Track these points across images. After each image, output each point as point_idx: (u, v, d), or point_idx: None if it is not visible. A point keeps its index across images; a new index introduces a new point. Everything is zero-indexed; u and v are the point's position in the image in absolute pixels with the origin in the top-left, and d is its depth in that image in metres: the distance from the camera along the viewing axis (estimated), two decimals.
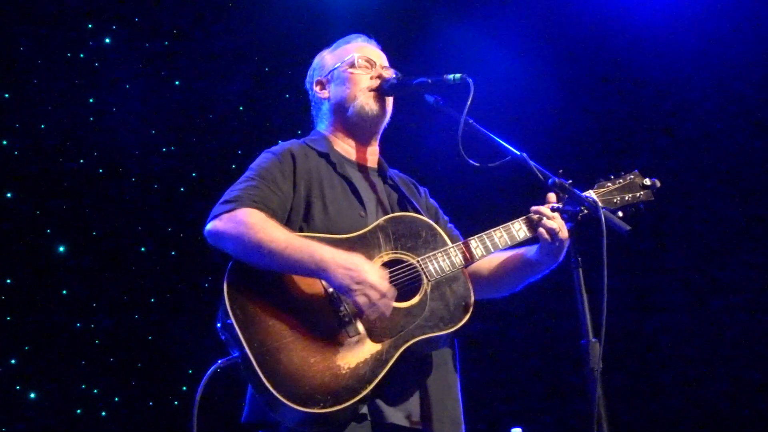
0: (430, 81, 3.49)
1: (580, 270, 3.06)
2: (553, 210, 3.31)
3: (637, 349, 7.02)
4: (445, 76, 3.44)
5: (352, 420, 3.08)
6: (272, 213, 3.23)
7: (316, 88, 3.71)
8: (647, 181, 3.51)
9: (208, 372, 3.11)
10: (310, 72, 3.80)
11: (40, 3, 6.27)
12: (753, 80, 6.90)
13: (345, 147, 3.60)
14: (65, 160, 6.34)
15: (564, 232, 3.29)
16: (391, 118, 3.66)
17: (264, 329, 3.04)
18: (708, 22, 6.87)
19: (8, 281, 6.04)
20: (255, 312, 3.06)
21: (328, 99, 3.65)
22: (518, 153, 3.27)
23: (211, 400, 3.26)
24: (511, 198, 6.62)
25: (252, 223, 3.13)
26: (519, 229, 3.39)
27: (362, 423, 3.12)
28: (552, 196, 3.36)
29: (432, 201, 3.72)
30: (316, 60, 3.80)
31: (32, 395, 6.02)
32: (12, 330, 5.99)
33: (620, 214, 3.44)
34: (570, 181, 3.22)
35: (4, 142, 6.16)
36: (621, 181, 3.51)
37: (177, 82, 6.80)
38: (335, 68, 3.66)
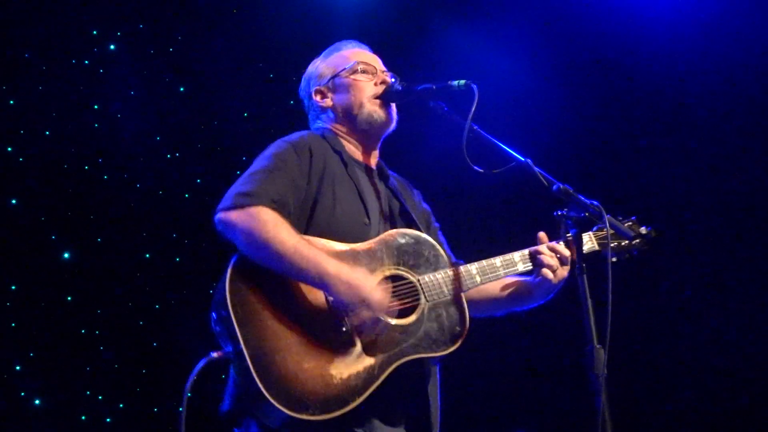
0: (434, 87, 3.50)
1: (585, 276, 3.07)
2: (549, 248, 3.44)
3: (642, 355, 7.00)
4: (449, 82, 3.46)
5: None
6: (286, 211, 3.20)
7: (317, 98, 3.68)
8: (643, 230, 3.65)
9: (199, 364, 3.10)
10: (305, 81, 3.77)
11: (45, 9, 6.27)
12: None
13: (352, 149, 3.61)
14: (70, 166, 6.35)
15: (563, 271, 3.43)
16: (396, 124, 3.66)
17: (262, 329, 3.02)
18: (718, 26, 6.83)
19: (13, 287, 6.05)
20: (255, 310, 3.04)
21: (332, 108, 3.64)
22: (523, 159, 3.29)
23: (202, 393, 3.23)
24: (515, 204, 6.64)
25: (264, 221, 3.10)
26: (519, 260, 3.47)
27: None
28: (543, 235, 3.47)
29: (425, 205, 3.74)
30: (310, 69, 3.77)
31: (37, 401, 6.02)
32: (17, 336, 5.99)
33: (614, 259, 3.52)
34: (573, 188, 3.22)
35: (9, 149, 6.16)
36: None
37: (182, 89, 6.80)
38: (335, 76, 3.65)
